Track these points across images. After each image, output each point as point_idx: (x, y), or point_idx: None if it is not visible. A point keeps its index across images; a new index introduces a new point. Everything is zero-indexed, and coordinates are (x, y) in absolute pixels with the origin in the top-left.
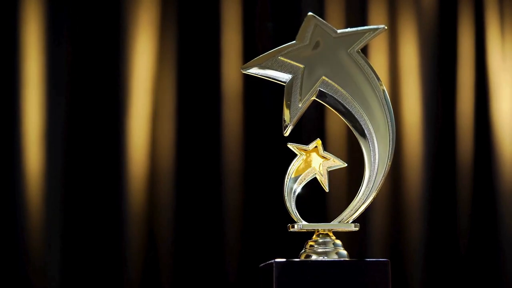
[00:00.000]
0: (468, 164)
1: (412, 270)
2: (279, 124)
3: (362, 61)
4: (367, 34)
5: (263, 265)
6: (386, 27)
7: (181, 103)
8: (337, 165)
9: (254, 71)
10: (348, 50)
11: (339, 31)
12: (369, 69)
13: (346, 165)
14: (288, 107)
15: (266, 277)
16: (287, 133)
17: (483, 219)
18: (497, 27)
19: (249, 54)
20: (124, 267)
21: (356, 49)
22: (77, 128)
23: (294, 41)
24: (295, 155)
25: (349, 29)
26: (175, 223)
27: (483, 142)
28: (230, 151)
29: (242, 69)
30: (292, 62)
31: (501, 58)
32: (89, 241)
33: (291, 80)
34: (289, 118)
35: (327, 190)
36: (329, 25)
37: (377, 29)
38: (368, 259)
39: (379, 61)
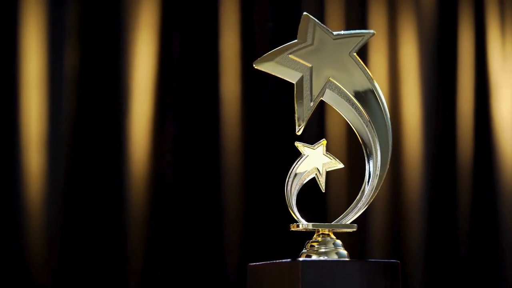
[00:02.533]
0: (468, 164)
1: (412, 270)
2: (278, 124)
3: (361, 64)
4: (361, 38)
5: (256, 265)
6: (375, 32)
7: (181, 104)
8: (336, 166)
9: (266, 67)
10: (348, 53)
11: (334, 33)
12: (368, 73)
13: (343, 166)
14: (301, 105)
15: (261, 277)
16: (300, 131)
17: (483, 220)
18: (497, 27)
19: (248, 55)
20: (125, 266)
21: (354, 51)
22: (78, 129)
23: (296, 40)
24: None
25: (343, 32)
26: (176, 224)
27: (483, 142)
28: (230, 151)
29: (254, 64)
30: (300, 60)
31: (501, 58)
32: (90, 241)
33: (301, 79)
34: (303, 117)
35: (323, 191)
36: (324, 25)
37: (368, 33)
38: (379, 260)
39: (379, 61)
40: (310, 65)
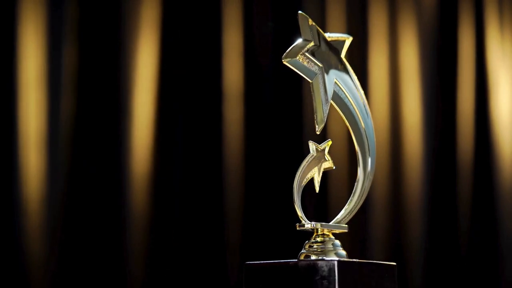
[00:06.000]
0: (469, 163)
1: (412, 269)
2: (280, 122)
3: (351, 70)
4: (346, 40)
5: (261, 263)
6: (351, 37)
7: (183, 102)
8: (330, 167)
9: (290, 63)
10: (342, 55)
11: (326, 34)
12: (357, 80)
13: (334, 167)
14: (320, 105)
15: (271, 277)
16: (319, 131)
17: (484, 219)
18: (496, 27)
19: (250, 53)
20: (125, 265)
21: (343, 55)
22: (78, 128)
23: (302, 39)
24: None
25: (329, 34)
26: (177, 222)
27: (483, 141)
28: (232, 149)
29: (283, 59)
30: (314, 59)
31: (501, 57)
32: (91, 241)
33: (317, 78)
34: (322, 116)
35: (317, 191)
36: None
37: (348, 37)
38: (377, 261)
39: (379, 61)
40: (321, 65)
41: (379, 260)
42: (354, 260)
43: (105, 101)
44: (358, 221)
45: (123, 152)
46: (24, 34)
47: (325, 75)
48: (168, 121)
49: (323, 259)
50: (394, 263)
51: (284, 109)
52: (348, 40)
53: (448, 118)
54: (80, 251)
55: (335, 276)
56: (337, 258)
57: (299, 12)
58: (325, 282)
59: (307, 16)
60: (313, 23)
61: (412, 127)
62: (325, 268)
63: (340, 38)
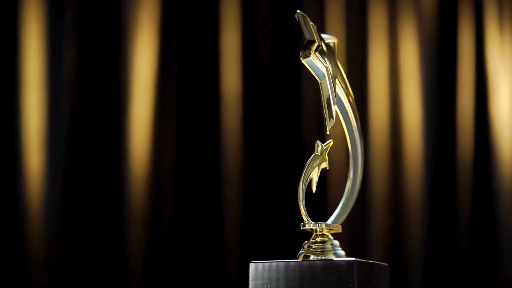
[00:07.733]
0: (469, 163)
1: (412, 270)
2: (278, 123)
3: (342, 69)
4: (334, 43)
5: (261, 262)
6: (337, 39)
7: (181, 103)
8: (326, 167)
9: (306, 61)
10: (336, 55)
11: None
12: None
13: (328, 168)
14: (329, 104)
15: (268, 275)
16: (330, 130)
17: (484, 219)
18: (496, 27)
19: (249, 54)
20: (125, 264)
21: (336, 55)
22: (77, 129)
23: (307, 39)
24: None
25: (323, 35)
26: (176, 222)
27: (483, 141)
28: (230, 150)
29: (301, 58)
30: (321, 60)
31: (500, 57)
32: (90, 240)
33: (324, 78)
34: (331, 116)
35: (314, 191)
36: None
37: (335, 39)
38: (373, 261)
39: (379, 61)
40: (327, 66)
41: (379, 261)
42: (365, 260)
43: (105, 102)
44: (357, 221)
45: (122, 152)
46: (26, 35)
47: (331, 76)
48: (167, 121)
49: (335, 260)
50: (386, 264)
51: (282, 109)
52: (335, 41)
53: (448, 118)
54: (79, 250)
55: (353, 276)
56: (353, 258)
57: (298, 11)
58: (342, 281)
59: (306, 16)
60: (312, 23)
61: (412, 127)
62: (343, 268)
63: (328, 39)
